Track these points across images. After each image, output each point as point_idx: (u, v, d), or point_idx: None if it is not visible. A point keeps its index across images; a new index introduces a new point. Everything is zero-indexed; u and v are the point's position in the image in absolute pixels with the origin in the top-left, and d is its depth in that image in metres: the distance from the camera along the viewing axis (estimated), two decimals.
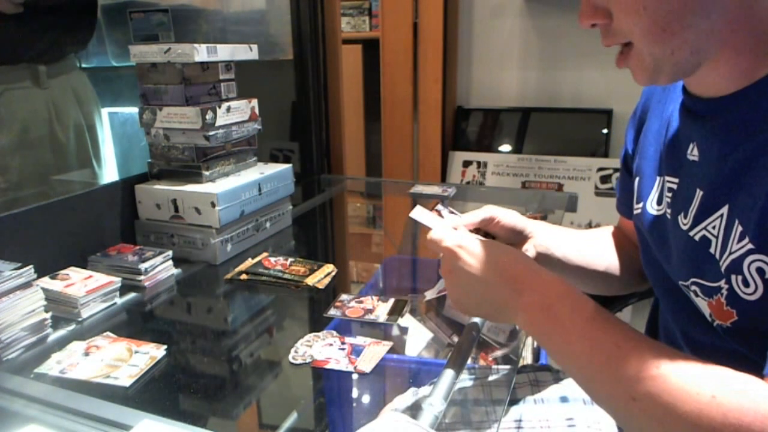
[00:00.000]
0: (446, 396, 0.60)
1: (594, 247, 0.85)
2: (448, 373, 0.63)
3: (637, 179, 0.74)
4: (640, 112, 0.78)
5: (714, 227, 0.57)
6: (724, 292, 0.55)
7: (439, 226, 0.74)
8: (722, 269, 0.55)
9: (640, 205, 0.72)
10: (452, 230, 0.71)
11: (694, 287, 0.60)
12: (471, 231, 0.76)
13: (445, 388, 0.61)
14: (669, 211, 0.65)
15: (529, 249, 0.79)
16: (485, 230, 0.79)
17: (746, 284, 0.52)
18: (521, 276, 0.61)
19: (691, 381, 0.47)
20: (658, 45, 0.55)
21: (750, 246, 0.52)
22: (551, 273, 0.62)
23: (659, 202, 0.69)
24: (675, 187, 0.65)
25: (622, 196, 0.84)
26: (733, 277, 0.54)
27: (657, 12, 0.52)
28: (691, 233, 0.60)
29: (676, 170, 0.65)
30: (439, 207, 0.81)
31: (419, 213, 0.78)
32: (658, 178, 0.70)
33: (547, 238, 0.80)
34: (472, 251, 0.65)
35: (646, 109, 0.76)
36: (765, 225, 0.50)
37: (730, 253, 0.54)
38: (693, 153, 0.62)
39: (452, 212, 0.81)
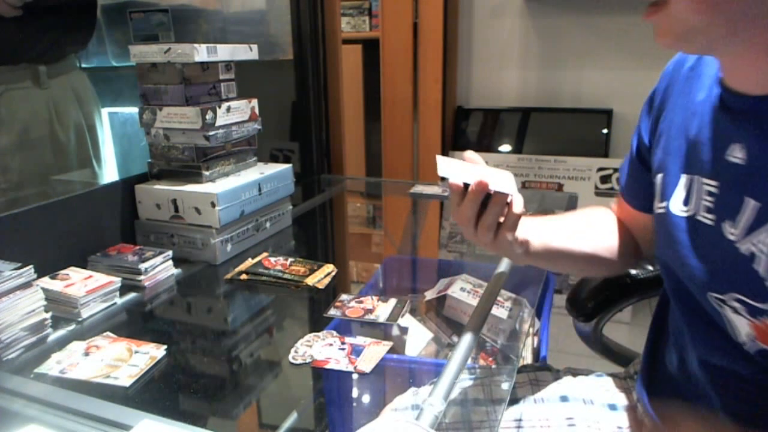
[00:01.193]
0: (446, 396, 0.60)
1: (579, 231, 0.81)
2: (448, 373, 0.63)
3: (659, 176, 0.69)
4: (658, 102, 0.72)
5: (764, 243, 0.52)
6: None
7: (475, 170, 0.65)
8: None
9: (664, 204, 0.67)
10: None
11: (733, 303, 0.56)
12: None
13: (445, 388, 0.61)
14: (711, 216, 0.59)
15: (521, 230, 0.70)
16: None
17: None
18: None
19: None
20: (696, 14, 0.50)
21: None
22: None
23: (686, 202, 0.63)
24: (716, 191, 0.59)
25: (632, 186, 0.80)
26: None
27: None
28: (739, 245, 0.55)
29: (713, 172, 0.59)
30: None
31: (445, 165, 0.68)
32: (683, 176, 0.64)
33: (526, 230, 0.73)
34: None
35: (666, 99, 0.71)
36: None
37: None
38: (735, 155, 0.56)
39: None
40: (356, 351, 0.82)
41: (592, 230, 0.82)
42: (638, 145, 0.77)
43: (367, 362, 0.79)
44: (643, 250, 0.84)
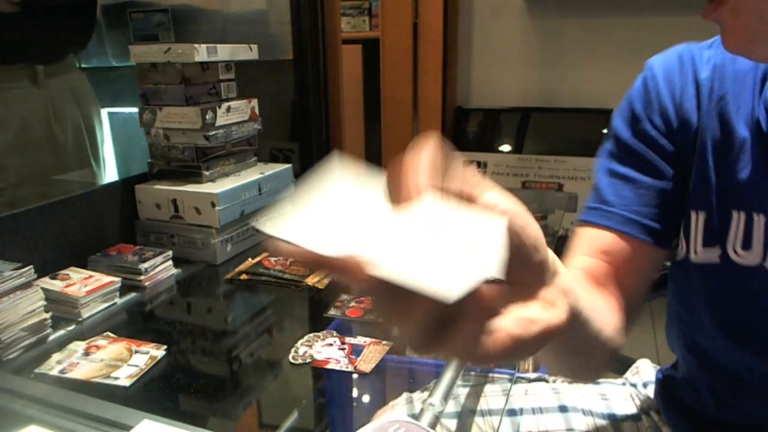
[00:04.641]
0: (446, 396, 0.59)
1: (600, 300, 0.55)
2: (449, 374, 0.63)
3: (699, 216, 0.55)
4: (656, 116, 0.58)
5: None
6: None
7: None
8: None
9: (717, 251, 0.53)
10: None
11: None
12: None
13: (445, 388, 0.61)
14: None
15: (560, 307, 0.35)
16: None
17: None
18: None
19: None
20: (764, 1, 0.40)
21: None
22: None
23: (746, 245, 0.51)
24: None
25: (641, 209, 0.57)
26: None
27: None
28: None
29: None
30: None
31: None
32: (735, 213, 0.52)
33: (569, 281, 0.41)
34: None
35: (683, 108, 0.57)
36: None
37: None
38: None
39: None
40: (356, 351, 0.82)
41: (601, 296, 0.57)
42: (654, 157, 0.58)
43: (367, 362, 0.79)
44: (633, 301, 0.59)
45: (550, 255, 0.36)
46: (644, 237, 0.56)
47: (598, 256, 0.56)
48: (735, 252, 0.52)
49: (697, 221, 0.55)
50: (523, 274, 0.32)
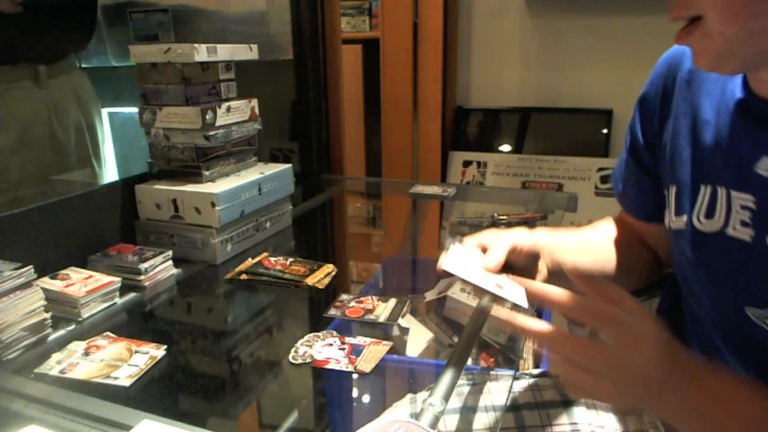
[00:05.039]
0: (446, 396, 0.59)
1: (598, 251, 0.81)
2: (449, 374, 0.63)
3: (673, 188, 0.66)
4: (656, 108, 0.70)
5: None
6: None
7: (476, 276, 0.64)
8: None
9: (684, 219, 0.64)
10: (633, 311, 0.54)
11: None
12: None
13: (445, 388, 0.60)
14: (748, 231, 0.57)
15: (542, 270, 0.72)
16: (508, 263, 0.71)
17: None
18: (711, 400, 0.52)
19: None
20: (734, 24, 0.47)
21: None
22: (705, 364, 0.53)
23: (709, 214, 0.60)
24: (753, 206, 0.56)
25: (633, 195, 0.78)
26: None
27: None
28: None
29: (743, 185, 0.57)
30: (452, 249, 0.69)
31: (451, 263, 0.65)
32: (703, 186, 0.61)
33: (554, 251, 0.74)
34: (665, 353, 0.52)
35: (665, 105, 0.68)
36: None
37: None
38: (767, 168, 0.54)
39: (460, 245, 0.70)
40: (356, 351, 0.82)
41: (609, 248, 0.81)
42: (632, 146, 0.75)
43: (367, 362, 0.79)
44: (661, 255, 0.82)
45: (538, 243, 0.72)
46: (647, 220, 0.79)
47: (626, 229, 0.84)
48: (699, 220, 0.61)
49: (669, 194, 0.67)
50: (531, 258, 0.71)
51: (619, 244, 0.82)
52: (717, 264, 0.60)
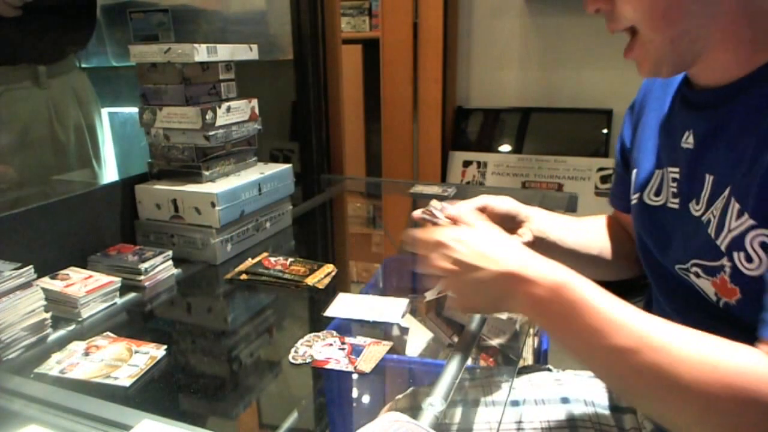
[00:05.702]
0: (446, 396, 0.60)
1: (588, 231, 0.87)
2: (449, 373, 0.63)
3: (634, 171, 0.75)
4: (637, 108, 0.79)
5: (716, 209, 0.58)
6: (728, 270, 0.56)
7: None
8: (722, 248, 0.56)
9: (637, 195, 0.73)
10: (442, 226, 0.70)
11: (695, 269, 0.61)
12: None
13: (445, 388, 0.61)
14: (676, 201, 0.66)
15: (525, 233, 0.80)
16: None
17: (749, 260, 0.54)
18: (518, 266, 0.60)
19: (693, 351, 0.49)
20: (657, 32, 0.56)
21: (751, 222, 0.53)
22: (545, 259, 0.61)
23: (658, 193, 0.70)
24: (678, 176, 0.66)
25: (619, 191, 0.85)
26: (735, 254, 0.55)
27: None
28: (702, 218, 0.61)
29: (674, 160, 0.67)
30: (432, 206, 0.79)
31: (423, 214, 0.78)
32: (657, 171, 0.71)
33: (542, 221, 0.82)
34: (463, 243, 0.64)
35: (644, 105, 0.77)
36: (765, 201, 0.52)
37: (729, 231, 0.55)
38: (688, 141, 0.64)
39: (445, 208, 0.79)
40: (356, 351, 0.82)
41: (599, 233, 0.88)
42: (621, 150, 0.82)
43: (367, 362, 0.79)
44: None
45: (524, 210, 0.81)
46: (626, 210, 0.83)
47: (617, 220, 0.90)
48: (649, 198, 0.71)
49: (631, 177, 0.76)
50: (508, 220, 0.80)
51: (612, 232, 0.88)
52: (654, 231, 0.70)
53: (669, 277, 0.67)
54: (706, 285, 0.60)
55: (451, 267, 0.63)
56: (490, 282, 0.61)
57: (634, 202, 0.75)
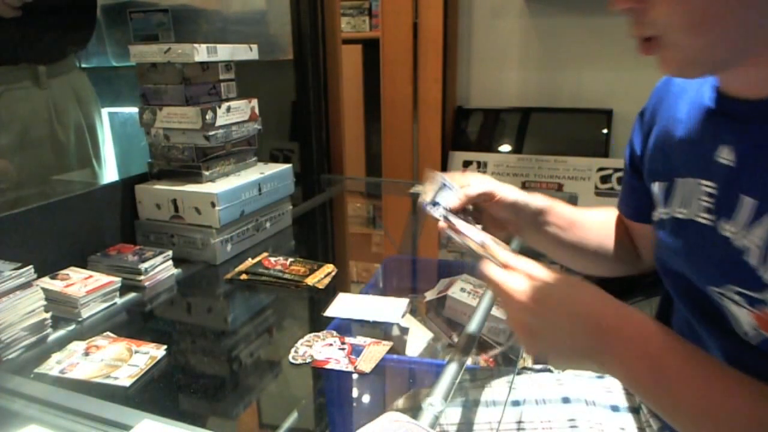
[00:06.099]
0: (446, 396, 0.59)
1: (593, 227, 0.85)
2: (449, 374, 0.63)
3: (656, 184, 0.71)
4: (648, 116, 0.75)
5: (757, 236, 0.54)
6: None
7: (467, 231, 0.70)
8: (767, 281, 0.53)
9: (666, 211, 0.68)
10: (511, 263, 0.63)
11: (733, 295, 0.58)
12: (462, 205, 0.74)
13: (445, 388, 0.61)
14: (708, 216, 0.61)
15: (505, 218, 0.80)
16: (479, 206, 0.78)
17: None
18: (607, 321, 0.57)
19: None
20: (694, 37, 0.52)
21: None
22: (636, 312, 0.57)
23: (685, 204, 0.65)
24: (713, 191, 0.60)
25: (629, 199, 0.82)
26: None
27: (696, 1, 0.50)
28: (733, 241, 0.57)
29: (708, 173, 0.61)
30: (435, 181, 0.75)
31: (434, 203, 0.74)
32: (678, 180, 0.66)
33: (547, 213, 0.81)
34: (541, 295, 0.59)
35: (655, 114, 0.73)
36: None
37: None
38: (725, 156, 0.58)
39: (446, 185, 0.76)
40: (356, 351, 0.82)
41: (604, 229, 0.86)
42: (631, 157, 0.79)
43: (367, 362, 0.79)
44: (643, 256, 0.85)
45: (533, 202, 0.80)
46: (635, 219, 0.81)
47: (621, 224, 0.86)
48: (676, 210, 0.66)
49: (654, 190, 0.71)
50: (513, 212, 0.79)
51: (618, 232, 0.86)
52: (687, 248, 0.65)
53: (702, 297, 0.63)
54: (742, 314, 0.57)
55: (532, 331, 0.60)
56: (572, 337, 0.58)
57: (662, 217, 0.69)
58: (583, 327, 0.58)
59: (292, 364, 0.80)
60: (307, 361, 0.80)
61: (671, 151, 0.68)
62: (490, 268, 0.63)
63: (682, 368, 0.54)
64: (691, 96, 0.66)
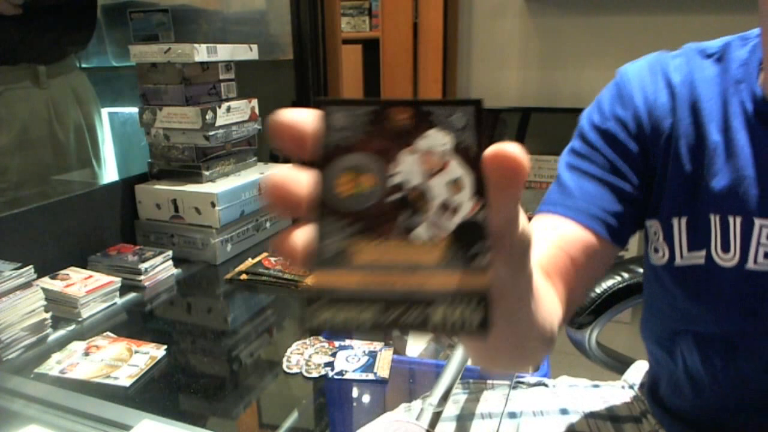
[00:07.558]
0: (446, 396, 0.59)
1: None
2: (449, 374, 0.63)
3: (682, 221, 0.56)
4: (649, 133, 0.59)
5: None
6: None
7: None
8: None
9: (701, 253, 0.54)
10: None
11: None
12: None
13: (445, 388, 0.61)
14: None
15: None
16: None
17: None
18: None
19: None
20: None
21: None
22: None
23: (727, 248, 0.52)
24: None
25: (601, 210, 0.57)
26: None
27: None
28: None
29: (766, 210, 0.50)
30: None
31: None
32: (713, 216, 0.53)
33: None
34: None
35: (658, 133, 0.58)
36: None
37: None
38: None
39: None
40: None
41: (553, 304, 0.51)
42: (619, 159, 0.60)
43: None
44: (577, 296, 0.56)
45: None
46: (603, 233, 0.56)
47: (555, 245, 0.54)
48: (717, 254, 0.53)
49: (680, 226, 0.56)
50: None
51: (560, 267, 0.55)
52: (734, 301, 0.54)
53: (728, 346, 0.55)
54: None
55: None
56: None
57: (695, 262, 0.55)
58: None
59: (287, 373, 0.80)
60: (302, 371, 0.80)
61: (704, 182, 0.54)
62: None
63: None
64: (717, 112, 0.54)
